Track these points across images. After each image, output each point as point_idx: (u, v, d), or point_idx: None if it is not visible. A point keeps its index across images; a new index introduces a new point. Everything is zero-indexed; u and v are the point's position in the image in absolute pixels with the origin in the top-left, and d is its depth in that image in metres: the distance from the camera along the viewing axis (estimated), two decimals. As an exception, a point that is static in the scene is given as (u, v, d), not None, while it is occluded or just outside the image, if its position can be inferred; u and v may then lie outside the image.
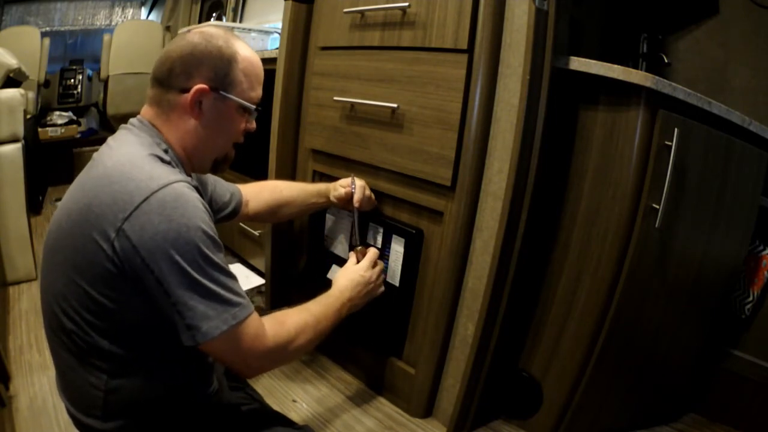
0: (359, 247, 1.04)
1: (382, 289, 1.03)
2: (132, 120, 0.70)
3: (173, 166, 0.66)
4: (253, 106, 0.74)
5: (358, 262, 1.01)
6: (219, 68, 0.69)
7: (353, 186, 1.10)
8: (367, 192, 1.14)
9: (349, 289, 0.92)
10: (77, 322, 0.61)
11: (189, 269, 0.58)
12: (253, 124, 0.78)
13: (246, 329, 0.63)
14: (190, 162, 0.73)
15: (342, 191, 1.12)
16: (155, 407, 0.67)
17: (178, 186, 0.60)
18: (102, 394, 0.63)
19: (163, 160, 0.65)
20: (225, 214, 1.00)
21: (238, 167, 1.67)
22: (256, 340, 0.64)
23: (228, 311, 0.61)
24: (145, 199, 0.57)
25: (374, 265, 1.01)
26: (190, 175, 0.74)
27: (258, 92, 0.75)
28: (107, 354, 0.62)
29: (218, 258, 0.61)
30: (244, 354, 0.64)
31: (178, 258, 0.57)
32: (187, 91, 0.68)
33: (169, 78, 0.68)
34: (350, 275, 0.96)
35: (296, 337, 0.71)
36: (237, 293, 0.63)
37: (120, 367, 0.63)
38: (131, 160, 0.61)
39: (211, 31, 0.70)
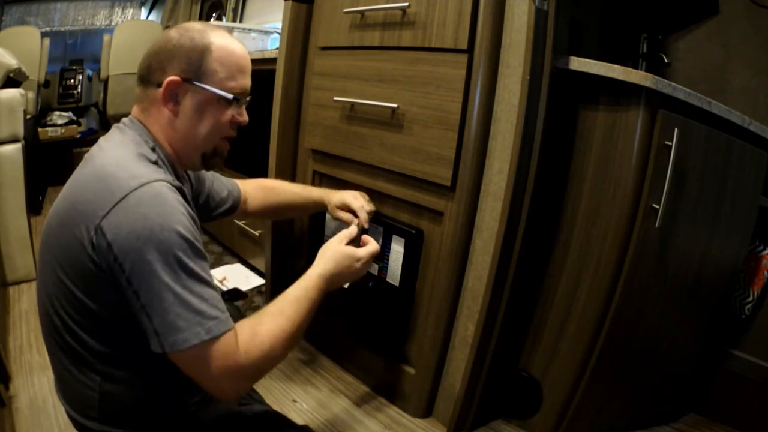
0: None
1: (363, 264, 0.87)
2: (123, 119, 0.71)
3: (160, 166, 0.66)
4: (231, 96, 0.69)
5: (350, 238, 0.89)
6: (192, 59, 0.67)
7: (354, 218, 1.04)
8: (365, 215, 1.04)
9: (321, 265, 0.80)
10: (66, 321, 0.61)
11: (160, 272, 0.55)
12: (244, 116, 0.74)
13: (219, 347, 0.57)
14: (179, 159, 0.72)
15: (341, 215, 1.06)
16: (152, 408, 0.67)
17: (158, 185, 0.59)
18: (97, 395, 0.63)
19: (150, 160, 0.64)
20: (222, 211, 1.01)
21: (237, 167, 1.68)
22: (229, 360, 0.58)
23: (201, 324, 0.56)
24: (124, 197, 0.56)
25: (351, 240, 0.89)
26: (183, 174, 0.74)
27: (240, 82, 0.71)
28: (98, 354, 0.62)
29: (196, 265, 0.58)
30: (214, 374, 0.58)
31: (149, 258, 0.55)
32: (161, 85, 0.67)
33: (148, 74, 0.69)
34: (323, 251, 0.84)
35: (271, 350, 0.63)
36: (213, 305, 0.58)
37: (112, 368, 0.63)
38: (118, 160, 0.61)
39: (188, 25, 0.69)
